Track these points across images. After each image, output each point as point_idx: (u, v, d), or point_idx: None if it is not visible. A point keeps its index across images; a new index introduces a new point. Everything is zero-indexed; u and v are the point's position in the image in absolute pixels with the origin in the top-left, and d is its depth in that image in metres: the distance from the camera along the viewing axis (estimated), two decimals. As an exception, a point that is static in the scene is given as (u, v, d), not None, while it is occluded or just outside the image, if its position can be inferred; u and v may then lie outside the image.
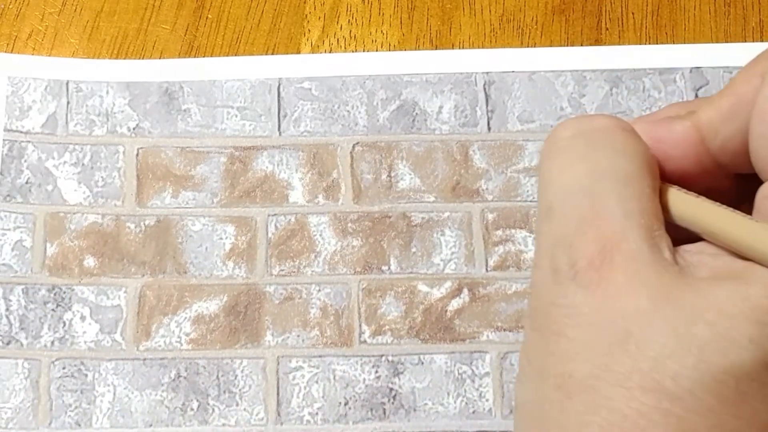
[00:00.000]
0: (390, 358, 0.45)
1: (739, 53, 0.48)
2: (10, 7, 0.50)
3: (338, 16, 0.50)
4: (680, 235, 0.27)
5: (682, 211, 0.27)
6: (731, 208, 0.26)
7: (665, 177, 0.28)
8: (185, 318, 0.45)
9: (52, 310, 0.45)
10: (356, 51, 0.50)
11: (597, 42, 0.50)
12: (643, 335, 0.24)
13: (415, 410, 0.44)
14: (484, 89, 0.48)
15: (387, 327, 0.45)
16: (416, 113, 0.48)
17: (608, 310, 0.25)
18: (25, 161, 0.47)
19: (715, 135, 0.28)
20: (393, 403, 0.44)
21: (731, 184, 0.29)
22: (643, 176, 0.27)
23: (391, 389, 0.44)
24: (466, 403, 0.44)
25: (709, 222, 0.26)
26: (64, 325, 0.45)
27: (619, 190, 0.26)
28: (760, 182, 0.27)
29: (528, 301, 0.28)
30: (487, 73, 0.49)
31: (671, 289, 0.25)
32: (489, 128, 0.48)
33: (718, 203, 0.27)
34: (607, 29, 0.50)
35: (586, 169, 0.27)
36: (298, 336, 0.45)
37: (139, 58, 0.49)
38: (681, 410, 0.23)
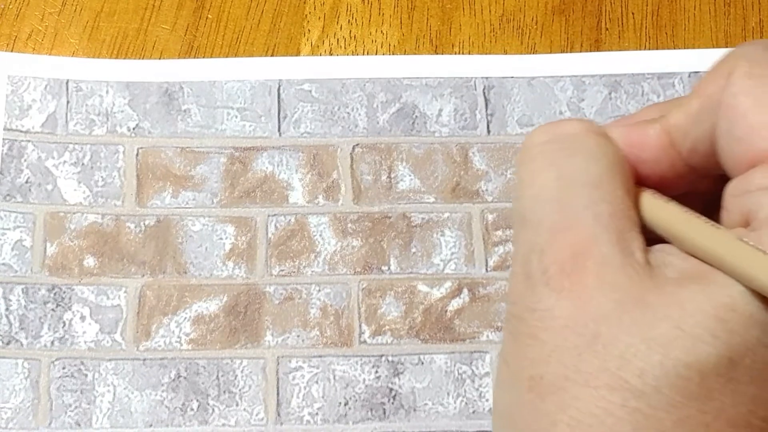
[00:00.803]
0: (390, 358, 0.45)
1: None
2: (10, 7, 0.50)
3: (338, 16, 0.50)
4: (657, 235, 0.27)
5: (651, 216, 0.27)
6: (697, 215, 0.26)
7: (643, 182, 0.28)
8: (185, 318, 0.45)
9: (52, 310, 0.45)
10: (356, 51, 0.50)
11: (597, 42, 0.50)
12: (611, 335, 0.25)
13: (415, 410, 0.44)
14: (484, 94, 0.48)
15: (387, 327, 0.45)
16: (416, 116, 0.48)
17: (579, 313, 0.25)
18: (25, 161, 0.47)
19: (685, 137, 0.28)
20: (393, 403, 0.44)
21: (709, 186, 0.29)
22: (613, 179, 0.27)
23: (391, 389, 0.44)
24: (466, 403, 0.44)
25: (675, 228, 0.27)
26: (64, 325, 0.45)
27: (589, 194, 0.26)
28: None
29: (506, 306, 0.28)
30: (487, 77, 0.49)
31: (639, 291, 0.25)
32: (488, 131, 0.48)
33: (686, 209, 0.27)
34: (607, 29, 0.50)
35: (556, 174, 0.27)
36: (298, 336, 0.45)
37: (139, 58, 0.49)
38: (647, 407, 0.24)
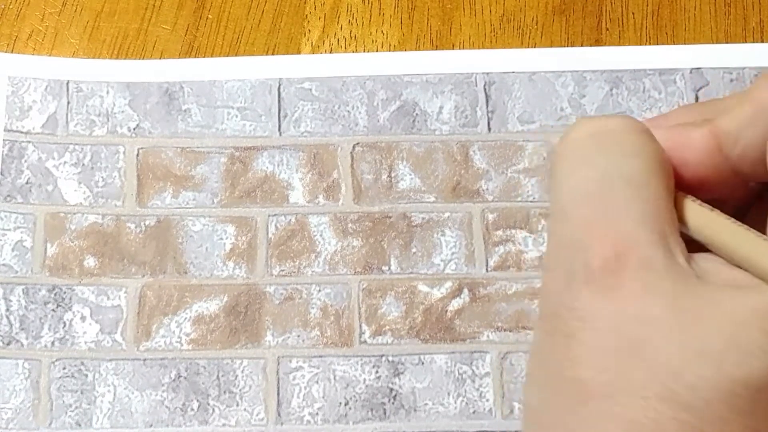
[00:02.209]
0: (390, 358, 0.45)
1: (739, 54, 0.48)
2: (11, 7, 0.50)
3: (338, 16, 0.50)
4: (695, 242, 0.27)
5: (696, 224, 0.27)
6: (745, 225, 0.26)
7: (681, 184, 0.28)
8: (185, 318, 0.45)
9: (53, 310, 0.45)
10: (356, 51, 0.50)
11: (597, 42, 0.50)
12: (659, 344, 0.24)
13: (415, 410, 0.44)
14: (485, 90, 0.48)
15: (387, 327, 0.45)
16: (416, 114, 0.48)
17: (623, 315, 0.25)
18: (26, 161, 0.47)
19: (735, 143, 0.27)
20: (393, 403, 0.44)
21: (745, 194, 0.29)
22: (656, 179, 0.27)
23: (392, 389, 0.44)
24: (467, 404, 0.44)
25: (722, 239, 0.26)
26: (65, 325, 0.45)
27: (632, 193, 0.26)
28: None
29: (539, 303, 0.28)
30: (488, 73, 0.49)
31: (686, 298, 0.25)
32: (489, 129, 0.48)
33: (732, 219, 0.26)
34: (607, 29, 0.50)
35: (599, 171, 0.27)
36: (299, 336, 0.45)
37: (140, 58, 0.49)
38: (697, 420, 0.24)
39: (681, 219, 0.27)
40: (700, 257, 0.26)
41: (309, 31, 0.50)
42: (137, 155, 0.47)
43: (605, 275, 0.25)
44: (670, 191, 0.27)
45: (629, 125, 0.28)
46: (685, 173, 0.28)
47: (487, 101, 0.48)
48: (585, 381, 0.25)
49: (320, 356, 0.45)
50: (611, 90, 0.48)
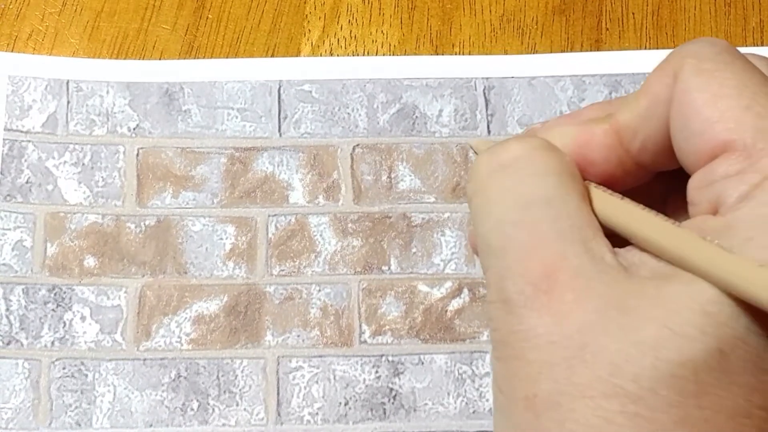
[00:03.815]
0: (390, 358, 0.45)
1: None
2: (11, 7, 0.50)
3: (338, 16, 0.50)
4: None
5: (605, 213, 0.27)
6: (652, 211, 0.27)
7: (591, 179, 0.28)
8: (185, 318, 0.45)
9: (53, 310, 0.45)
10: (356, 51, 0.50)
11: (597, 42, 0.50)
12: (598, 344, 0.25)
13: (415, 410, 0.44)
14: (484, 94, 0.48)
15: (387, 327, 0.45)
16: (416, 116, 0.48)
17: (562, 327, 0.25)
18: (26, 161, 0.47)
19: (634, 136, 0.28)
20: (393, 403, 0.44)
21: (654, 183, 0.30)
22: (566, 192, 0.27)
23: (392, 389, 0.44)
24: (467, 403, 0.44)
25: (631, 225, 0.27)
26: (65, 325, 0.45)
27: (546, 213, 0.27)
28: (682, 179, 0.27)
29: (489, 333, 0.28)
30: (487, 78, 0.49)
31: (619, 295, 0.25)
32: (489, 132, 0.48)
33: (640, 205, 0.27)
34: (607, 29, 0.50)
35: (512, 200, 0.27)
36: (299, 336, 0.45)
37: (140, 59, 0.49)
38: (646, 410, 0.24)
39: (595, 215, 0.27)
40: (626, 251, 0.27)
41: (309, 31, 0.50)
42: (137, 155, 0.47)
43: (539, 294, 0.26)
44: (582, 198, 0.27)
45: (530, 147, 0.28)
46: (593, 170, 0.29)
47: (486, 105, 0.48)
48: (536, 396, 0.25)
49: (320, 356, 0.45)
50: (610, 94, 0.48)
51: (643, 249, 0.26)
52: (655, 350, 0.24)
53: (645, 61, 0.49)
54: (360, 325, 0.45)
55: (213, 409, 0.44)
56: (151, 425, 0.44)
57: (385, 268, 0.46)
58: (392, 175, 0.47)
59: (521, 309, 0.26)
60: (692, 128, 0.26)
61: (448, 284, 0.46)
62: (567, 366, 0.25)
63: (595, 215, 0.27)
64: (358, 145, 0.48)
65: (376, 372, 0.44)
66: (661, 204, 0.29)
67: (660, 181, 0.30)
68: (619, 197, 0.28)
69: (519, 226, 0.27)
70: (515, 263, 0.26)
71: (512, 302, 0.26)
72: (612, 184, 0.29)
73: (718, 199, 0.26)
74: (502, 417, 0.27)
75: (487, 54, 0.49)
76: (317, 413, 0.44)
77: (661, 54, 0.49)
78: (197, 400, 0.44)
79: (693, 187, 0.27)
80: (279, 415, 0.44)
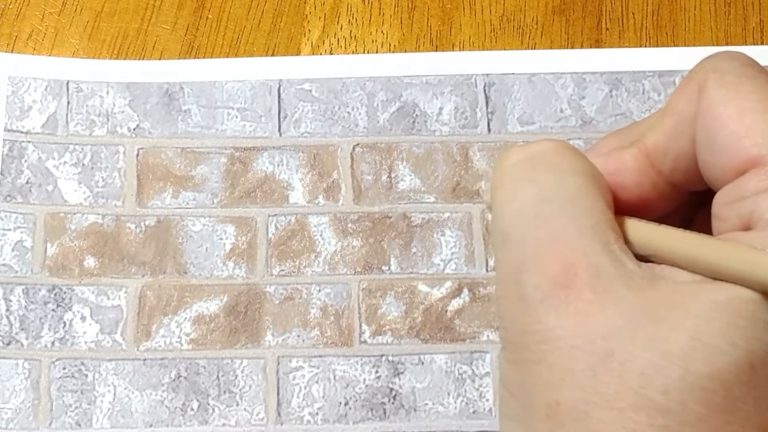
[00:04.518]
0: (390, 358, 0.45)
1: (738, 56, 0.48)
2: (11, 7, 0.50)
3: (338, 16, 0.50)
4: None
5: (642, 240, 0.27)
6: (691, 232, 0.26)
7: (625, 208, 0.28)
8: (185, 318, 0.45)
9: (53, 310, 0.45)
10: (356, 51, 0.50)
11: (597, 42, 0.50)
12: (626, 352, 0.24)
13: (415, 410, 0.44)
14: (484, 91, 0.48)
15: (387, 327, 0.45)
16: (416, 115, 0.48)
17: (585, 330, 0.25)
18: (26, 161, 0.47)
19: (665, 156, 0.28)
20: (393, 403, 0.44)
21: (687, 206, 0.29)
22: (590, 192, 0.27)
23: (392, 389, 0.44)
24: (467, 403, 0.44)
25: (671, 247, 0.26)
26: (65, 325, 0.45)
27: (571, 208, 0.26)
28: (710, 198, 0.27)
29: (499, 335, 0.28)
30: (487, 75, 0.49)
31: (646, 303, 0.25)
32: (489, 130, 0.48)
33: (677, 229, 0.26)
34: (607, 29, 0.50)
35: (534, 193, 0.27)
36: (299, 336, 0.45)
37: (140, 59, 0.49)
38: (675, 424, 0.23)
39: (626, 240, 0.27)
40: (652, 264, 0.26)
41: (309, 31, 0.50)
42: (137, 155, 0.47)
43: (557, 290, 0.25)
44: (607, 203, 0.27)
45: (559, 147, 0.28)
46: (626, 196, 0.28)
47: (486, 102, 0.48)
48: (559, 404, 0.25)
49: (320, 356, 0.45)
50: (611, 91, 0.48)
51: (681, 268, 0.26)
52: (686, 362, 0.23)
53: (646, 58, 0.49)
54: (360, 325, 0.45)
55: (213, 409, 0.44)
56: (151, 425, 0.44)
57: (385, 268, 0.46)
58: (392, 175, 0.47)
59: (538, 305, 0.25)
60: (718, 143, 0.26)
61: (448, 284, 0.46)
62: (591, 373, 0.24)
63: (629, 244, 0.26)
64: (357, 144, 0.48)
65: (376, 372, 0.44)
66: (687, 223, 0.28)
67: (691, 203, 0.29)
68: (652, 223, 0.27)
69: (539, 220, 0.26)
70: (532, 257, 0.26)
71: (528, 298, 0.25)
72: (646, 208, 0.28)
73: (751, 214, 0.25)
74: (514, 424, 0.26)
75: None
76: (317, 413, 0.44)
77: (662, 51, 0.49)
78: (197, 400, 0.44)
79: (720, 202, 0.26)
80: (279, 415, 0.44)
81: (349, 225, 0.47)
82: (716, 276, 0.25)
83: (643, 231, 0.27)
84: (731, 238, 0.25)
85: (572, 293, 0.25)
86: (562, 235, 0.26)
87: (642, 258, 0.26)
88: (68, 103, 0.48)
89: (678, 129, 0.27)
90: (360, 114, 0.48)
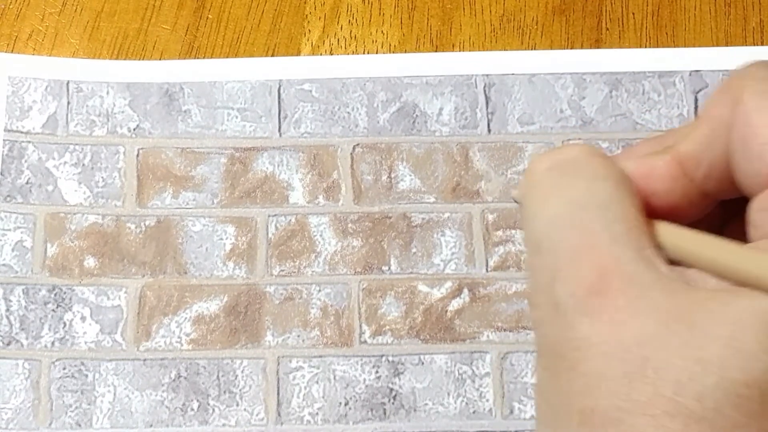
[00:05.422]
0: (390, 358, 0.45)
1: (738, 57, 0.48)
2: (11, 7, 0.50)
3: (338, 16, 0.50)
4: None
5: (675, 245, 0.26)
6: (725, 239, 0.26)
7: (654, 214, 0.28)
8: (185, 318, 0.45)
9: (53, 310, 0.45)
10: (356, 51, 0.50)
11: (597, 42, 0.50)
12: (660, 359, 0.24)
13: (415, 410, 0.44)
14: (484, 91, 0.48)
15: (387, 327, 0.45)
16: (416, 115, 0.48)
17: (619, 337, 0.24)
18: (26, 161, 0.47)
19: (698, 164, 0.28)
20: (393, 403, 0.44)
21: (717, 214, 0.29)
22: (622, 198, 0.27)
23: (392, 389, 0.44)
24: (467, 403, 0.44)
25: (705, 254, 0.26)
26: (65, 325, 0.45)
27: (603, 214, 0.26)
28: (742, 206, 0.27)
29: (534, 342, 0.28)
30: (487, 75, 0.49)
31: (680, 309, 0.24)
32: (489, 130, 0.48)
33: (711, 235, 0.26)
34: (607, 29, 0.50)
35: (566, 199, 0.27)
36: (299, 336, 0.45)
37: (140, 59, 0.49)
38: (709, 430, 0.23)
39: (658, 244, 0.27)
40: (683, 268, 0.26)
41: (309, 31, 0.50)
42: (137, 155, 0.47)
43: (592, 298, 0.25)
44: (639, 209, 0.27)
45: (589, 152, 0.28)
46: (656, 202, 0.28)
47: (486, 103, 0.48)
48: (593, 411, 0.24)
49: (320, 356, 0.45)
50: (611, 92, 0.48)
51: (712, 275, 0.26)
52: (721, 369, 0.23)
53: (646, 59, 0.49)
54: (360, 325, 0.45)
55: (213, 409, 0.44)
56: (151, 425, 0.44)
57: (385, 268, 0.46)
58: (392, 175, 0.47)
59: (572, 313, 0.25)
60: (753, 151, 0.26)
61: (448, 284, 0.46)
62: (627, 381, 0.24)
63: (661, 249, 0.26)
64: (358, 144, 0.48)
65: (376, 372, 0.44)
66: (718, 231, 0.28)
67: (722, 212, 0.29)
68: (685, 228, 0.27)
69: (572, 227, 0.26)
70: (566, 265, 0.26)
71: (562, 306, 0.25)
72: (676, 215, 0.28)
73: None
74: (549, 431, 0.26)
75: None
76: (317, 413, 0.44)
77: (662, 51, 0.49)
78: (197, 400, 0.44)
79: (756, 209, 0.26)
80: (279, 415, 0.44)
81: (349, 225, 0.47)
82: (749, 284, 0.25)
83: (675, 235, 0.27)
84: (766, 246, 0.25)
85: (606, 301, 0.25)
86: (595, 242, 0.26)
87: (672, 262, 0.26)
88: (68, 103, 0.48)
89: (712, 137, 0.27)
90: (360, 114, 0.48)
